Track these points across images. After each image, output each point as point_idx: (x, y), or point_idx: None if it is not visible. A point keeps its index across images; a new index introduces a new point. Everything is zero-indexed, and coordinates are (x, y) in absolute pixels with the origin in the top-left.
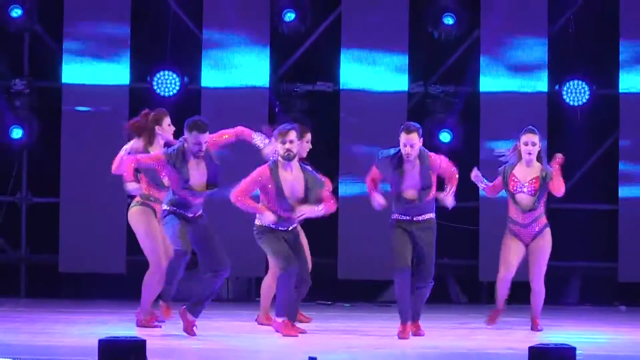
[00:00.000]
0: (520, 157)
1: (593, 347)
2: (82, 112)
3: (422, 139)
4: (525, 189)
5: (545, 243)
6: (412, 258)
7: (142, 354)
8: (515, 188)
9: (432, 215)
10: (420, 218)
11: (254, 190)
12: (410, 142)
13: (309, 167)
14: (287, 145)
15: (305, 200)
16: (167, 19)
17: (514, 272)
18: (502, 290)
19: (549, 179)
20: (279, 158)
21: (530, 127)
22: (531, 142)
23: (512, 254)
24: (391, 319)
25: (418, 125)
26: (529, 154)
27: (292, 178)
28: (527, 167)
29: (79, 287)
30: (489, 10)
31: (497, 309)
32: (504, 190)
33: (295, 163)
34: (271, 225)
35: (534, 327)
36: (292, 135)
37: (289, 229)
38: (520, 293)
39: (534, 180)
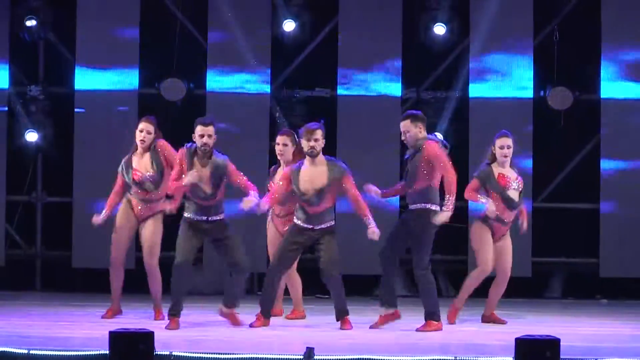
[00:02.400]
0: (493, 161)
1: (576, 339)
2: (93, 117)
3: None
4: (515, 186)
5: (510, 241)
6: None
7: (150, 345)
8: (507, 185)
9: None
10: None
11: (285, 191)
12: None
13: (333, 159)
14: (312, 143)
15: (325, 190)
16: (174, 28)
17: None
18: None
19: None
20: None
21: (504, 131)
22: (507, 146)
23: (491, 253)
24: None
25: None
26: (505, 156)
27: (313, 172)
28: (506, 168)
29: (91, 282)
30: (478, 20)
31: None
32: (485, 190)
33: (319, 158)
34: (299, 223)
35: (500, 320)
36: (318, 134)
37: (315, 228)
38: (509, 286)
39: (519, 179)
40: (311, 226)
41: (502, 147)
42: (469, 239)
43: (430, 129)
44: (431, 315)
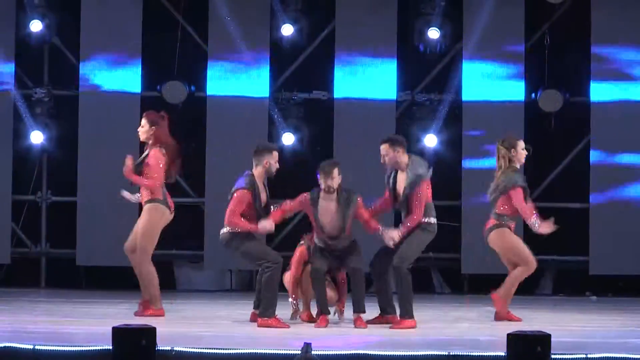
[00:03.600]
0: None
1: (566, 334)
2: (97, 119)
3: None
4: None
5: None
6: None
7: (152, 340)
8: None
9: None
10: None
11: (294, 210)
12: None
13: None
14: (329, 182)
15: (343, 225)
16: (176, 33)
17: None
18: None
19: None
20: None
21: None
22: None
23: (527, 248)
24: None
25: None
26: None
27: (331, 207)
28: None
29: (94, 279)
30: (471, 25)
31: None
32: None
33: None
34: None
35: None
36: (335, 173)
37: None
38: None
39: None
40: (334, 249)
41: (524, 149)
42: (496, 247)
43: (424, 131)
44: (408, 314)
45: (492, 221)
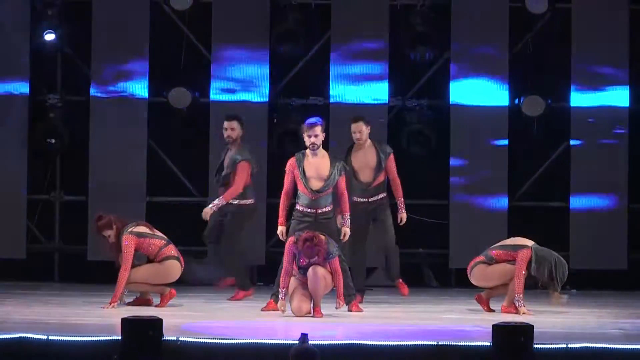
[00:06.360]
0: None
1: (548, 325)
2: (107, 123)
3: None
4: None
5: None
6: None
7: (159, 331)
8: None
9: None
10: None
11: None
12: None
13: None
14: (312, 139)
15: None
16: (181, 42)
17: None
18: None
19: None
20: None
21: None
22: None
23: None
24: (374, 300)
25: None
26: None
27: (317, 162)
28: None
29: (104, 273)
30: (458, 35)
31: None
32: None
33: (321, 151)
34: (302, 209)
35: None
36: (318, 129)
37: (318, 212)
38: None
39: None
40: (314, 210)
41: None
42: (481, 282)
43: (415, 135)
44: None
45: (479, 258)
